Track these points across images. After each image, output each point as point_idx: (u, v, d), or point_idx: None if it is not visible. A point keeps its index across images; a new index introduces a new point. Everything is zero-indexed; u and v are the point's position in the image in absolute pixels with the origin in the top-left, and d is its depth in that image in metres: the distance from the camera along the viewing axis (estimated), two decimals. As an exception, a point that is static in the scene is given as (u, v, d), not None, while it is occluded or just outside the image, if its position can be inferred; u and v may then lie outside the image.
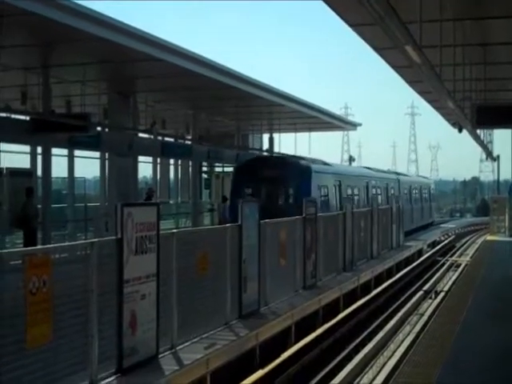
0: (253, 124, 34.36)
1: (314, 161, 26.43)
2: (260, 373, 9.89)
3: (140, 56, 16.91)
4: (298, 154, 31.35)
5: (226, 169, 33.80)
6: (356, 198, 25.73)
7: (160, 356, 8.47)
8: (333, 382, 9.84)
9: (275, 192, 22.08)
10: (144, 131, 26.27)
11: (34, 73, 18.69)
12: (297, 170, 22.46)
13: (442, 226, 44.54)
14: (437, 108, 25.05)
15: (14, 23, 13.84)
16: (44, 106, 19.04)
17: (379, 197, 27.93)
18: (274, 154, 33.32)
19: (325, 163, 26.77)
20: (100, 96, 22.10)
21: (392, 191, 31.30)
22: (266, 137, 36.99)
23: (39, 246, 6.73)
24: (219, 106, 27.40)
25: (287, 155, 31.05)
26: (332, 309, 14.56)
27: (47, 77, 18.92)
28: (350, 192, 25.35)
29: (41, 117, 18.74)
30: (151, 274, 8.29)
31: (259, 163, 23.39)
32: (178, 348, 8.89)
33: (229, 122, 31.62)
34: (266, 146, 35.82)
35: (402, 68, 17.23)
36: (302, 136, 37.81)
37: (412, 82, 20.06)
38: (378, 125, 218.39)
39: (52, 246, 6.92)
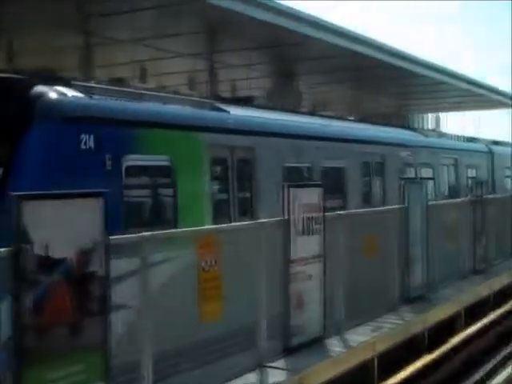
0: (417, 104, 33.45)
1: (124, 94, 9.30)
2: (427, 358, 9.67)
3: (300, 38, 16.93)
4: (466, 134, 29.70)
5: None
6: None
7: (326, 338, 8.47)
8: (503, 373, 9.41)
9: None
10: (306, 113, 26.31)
11: (200, 58, 19.31)
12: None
13: None
14: None
15: (181, 11, 14.39)
16: (211, 91, 19.63)
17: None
18: None
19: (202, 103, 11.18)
20: (264, 79, 22.43)
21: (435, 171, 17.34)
22: (430, 116, 35.89)
23: (210, 226, 6.93)
24: (381, 86, 26.87)
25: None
26: (504, 295, 13.92)
27: (213, 62, 19.50)
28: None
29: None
30: (317, 255, 8.30)
31: None
32: (343, 330, 8.84)
33: (391, 102, 30.96)
34: (431, 126, 34.69)
35: None
36: (470, 115, 36.25)
37: None
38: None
39: (222, 225, 7.11)
